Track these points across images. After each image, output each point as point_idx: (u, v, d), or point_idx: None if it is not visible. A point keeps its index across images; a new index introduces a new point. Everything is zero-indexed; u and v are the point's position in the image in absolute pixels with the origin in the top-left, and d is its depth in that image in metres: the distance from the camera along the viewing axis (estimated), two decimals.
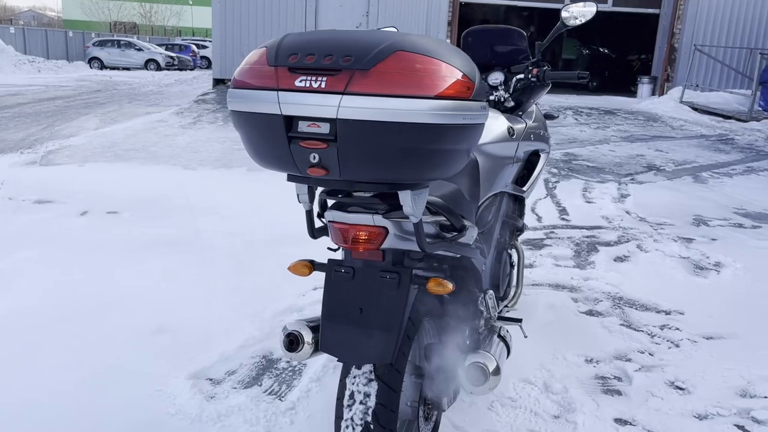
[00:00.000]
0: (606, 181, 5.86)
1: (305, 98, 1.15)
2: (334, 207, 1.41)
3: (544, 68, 2.32)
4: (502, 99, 2.34)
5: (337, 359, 1.50)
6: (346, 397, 1.48)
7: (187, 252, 3.59)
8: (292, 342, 1.55)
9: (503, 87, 2.36)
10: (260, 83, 1.20)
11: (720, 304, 3.06)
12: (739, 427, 2.07)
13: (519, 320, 2.10)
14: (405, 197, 1.28)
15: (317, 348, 1.59)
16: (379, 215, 1.35)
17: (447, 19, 13.57)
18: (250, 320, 2.76)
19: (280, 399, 2.20)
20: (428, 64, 1.14)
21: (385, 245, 1.38)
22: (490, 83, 2.40)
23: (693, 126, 10.24)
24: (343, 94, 1.13)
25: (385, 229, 1.36)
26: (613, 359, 2.49)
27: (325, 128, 1.15)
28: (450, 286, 1.41)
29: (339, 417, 1.49)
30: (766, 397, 2.24)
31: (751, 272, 3.48)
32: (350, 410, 1.47)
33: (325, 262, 1.50)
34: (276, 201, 4.81)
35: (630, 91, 15.14)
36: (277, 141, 1.20)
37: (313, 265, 1.52)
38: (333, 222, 1.39)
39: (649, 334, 2.71)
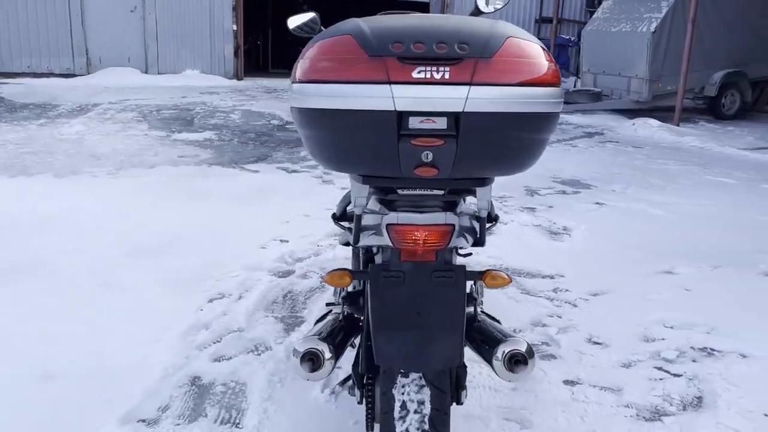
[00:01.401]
0: None
1: (426, 91, 1.03)
2: (393, 209, 1.28)
3: None
4: None
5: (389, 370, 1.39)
6: (397, 408, 1.39)
7: (33, 278, 3.02)
8: (313, 361, 1.40)
9: None
10: (360, 76, 1.04)
11: (586, 263, 3.43)
12: (658, 368, 2.36)
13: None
14: (485, 192, 1.22)
15: (336, 362, 1.46)
16: (451, 213, 1.27)
17: (231, 4, 13.07)
18: (156, 346, 2.43)
19: (236, 426, 1.98)
20: (532, 50, 1.10)
21: (451, 243, 1.31)
22: None
23: None
24: (470, 84, 1.03)
25: (453, 226, 1.28)
26: (532, 327, 2.67)
27: (442, 123, 1.04)
28: (507, 277, 1.38)
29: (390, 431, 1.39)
30: (663, 339, 2.58)
31: (594, 233, 3.96)
32: (404, 422, 1.38)
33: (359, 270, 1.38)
34: (106, 209, 4.26)
35: None
36: (383, 140, 1.05)
37: (351, 274, 1.38)
38: (397, 225, 1.27)
39: (548, 299, 2.95)
